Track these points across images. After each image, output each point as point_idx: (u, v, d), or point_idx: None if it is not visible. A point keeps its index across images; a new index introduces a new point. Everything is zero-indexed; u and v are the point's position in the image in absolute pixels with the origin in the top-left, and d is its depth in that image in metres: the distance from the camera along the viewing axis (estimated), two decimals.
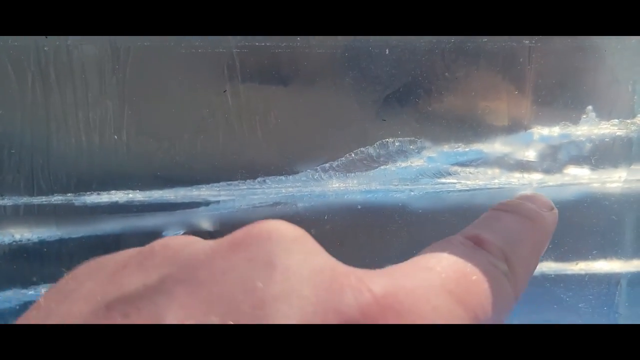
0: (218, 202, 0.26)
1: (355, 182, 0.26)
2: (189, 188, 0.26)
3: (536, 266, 0.18)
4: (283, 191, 0.26)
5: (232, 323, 0.12)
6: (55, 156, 0.25)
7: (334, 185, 0.26)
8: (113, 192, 0.26)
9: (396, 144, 0.26)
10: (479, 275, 0.15)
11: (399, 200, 0.26)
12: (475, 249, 0.16)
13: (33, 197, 0.25)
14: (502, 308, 0.15)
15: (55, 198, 0.26)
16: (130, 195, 0.26)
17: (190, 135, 0.25)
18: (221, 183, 0.26)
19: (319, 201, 0.26)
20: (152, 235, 0.26)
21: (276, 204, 0.26)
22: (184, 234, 0.26)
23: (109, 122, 0.25)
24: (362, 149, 0.26)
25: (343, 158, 0.26)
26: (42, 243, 0.26)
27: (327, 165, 0.26)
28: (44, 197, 0.26)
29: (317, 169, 0.26)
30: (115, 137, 0.24)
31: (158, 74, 0.24)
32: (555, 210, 0.20)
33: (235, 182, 0.26)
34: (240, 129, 0.24)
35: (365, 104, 0.25)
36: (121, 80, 0.24)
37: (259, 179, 0.26)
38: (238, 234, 0.15)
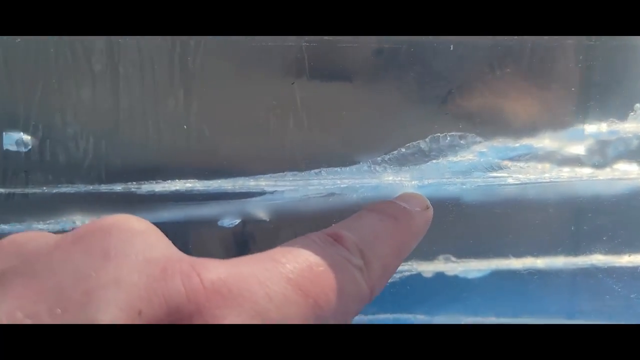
0: (273, 192, 0.27)
1: (408, 175, 0.27)
2: (247, 178, 0.26)
3: (398, 261, 0.19)
4: (338, 182, 0.27)
5: (59, 311, 0.13)
6: (122, 145, 0.26)
7: (388, 178, 0.27)
8: (176, 181, 0.26)
9: (447, 138, 0.27)
10: (326, 267, 0.16)
11: (452, 193, 0.27)
12: (331, 244, 0.17)
13: (100, 185, 0.26)
14: (350, 299, 0.16)
15: (120, 186, 0.26)
16: (190, 185, 0.27)
17: (256, 127, 0.25)
18: (280, 174, 0.26)
19: (374, 193, 0.27)
20: (209, 223, 0.27)
21: (330, 194, 0.27)
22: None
23: (177, 113, 0.26)
24: (413, 142, 0.27)
25: (395, 152, 0.27)
26: None
27: (379, 158, 0.27)
28: (108, 185, 0.26)
29: (370, 161, 0.27)
30: (185, 126, 0.25)
31: (226, 66, 0.25)
32: (430, 209, 0.21)
33: (293, 173, 0.26)
34: (304, 122, 0.25)
35: (426, 98, 0.26)
36: (190, 72, 0.25)
37: (314, 170, 0.27)
38: (81, 228, 0.16)
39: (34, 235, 0.16)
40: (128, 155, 0.26)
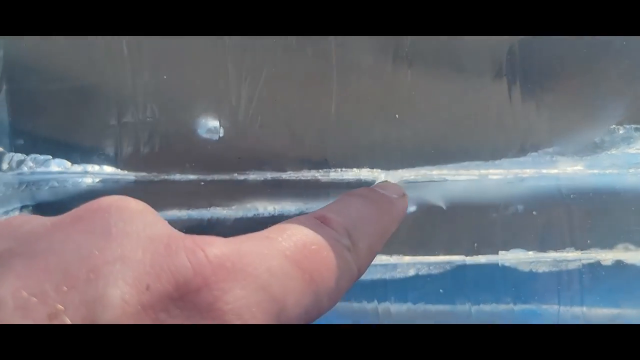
0: (451, 181, 0.28)
1: (581, 165, 0.28)
2: (430, 167, 0.27)
3: (381, 243, 0.20)
4: (518, 172, 0.27)
5: (66, 289, 0.13)
6: (303, 136, 0.27)
7: (567, 170, 0.27)
8: (363, 169, 0.27)
9: (621, 131, 0.27)
10: (319, 245, 0.16)
11: (630, 184, 0.27)
12: (321, 225, 0.18)
13: (282, 173, 0.27)
14: (341, 276, 0.17)
15: (304, 174, 0.28)
16: (374, 174, 0.28)
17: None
18: (462, 163, 0.27)
19: (547, 183, 0.28)
20: None
21: (508, 183, 0.28)
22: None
23: (361, 106, 0.27)
24: (590, 133, 0.27)
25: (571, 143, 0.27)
26: (283, 216, 0.28)
27: (550, 149, 0.28)
28: (291, 173, 0.28)
29: (544, 152, 0.28)
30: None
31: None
32: (406, 197, 0.23)
33: (476, 163, 0.27)
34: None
35: (607, 92, 0.27)
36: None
37: (495, 160, 0.27)
38: (79, 209, 0.16)
39: (29, 218, 0.16)
40: (311, 144, 0.27)
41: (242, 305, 0.14)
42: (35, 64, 0.27)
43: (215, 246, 0.15)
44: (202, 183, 0.27)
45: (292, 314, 0.15)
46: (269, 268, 0.15)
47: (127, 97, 0.27)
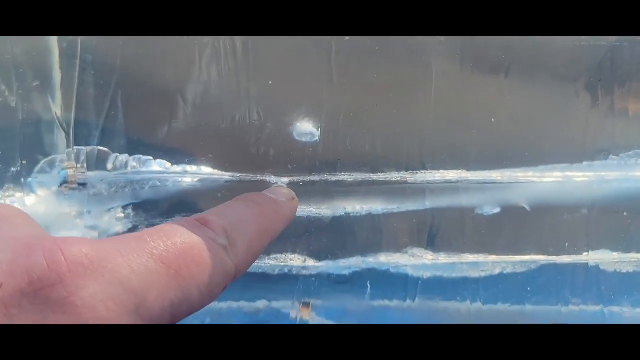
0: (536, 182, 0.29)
1: None
2: (515, 169, 0.28)
3: (263, 243, 0.21)
4: (603, 174, 0.28)
5: None
6: (398, 138, 0.28)
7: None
8: (448, 170, 0.29)
9: None
10: (190, 244, 0.17)
11: None
12: (197, 226, 0.18)
13: (374, 174, 0.29)
14: (215, 272, 0.17)
15: (396, 176, 0.29)
16: (460, 175, 0.29)
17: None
18: (549, 165, 0.28)
19: (628, 185, 0.28)
20: (467, 211, 0.29)
21: (589, 184, 0.28)
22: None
23: (459, 108, 0.28)
24: None
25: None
26: (371, 216, 0.29)
27: (633, 152, 0.28)
28: (383, 174, 0.29)
29: (623, 155, 0.28)
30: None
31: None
32: (296, 200, 0.24)
33: (563, 165, 0.28)
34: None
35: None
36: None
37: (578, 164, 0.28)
38: None
39: None
40: (405, 147, 0.28)
41: (97, 299, 0.15)
42: (144, 70, 0.28)
43: (75, 246, 0.15)
44: (301, 184, 0.28)
45: (155, 306, 0.16)
46: (129, 264, 0.16)
47: (235, 102, 0.28)
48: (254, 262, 0.20)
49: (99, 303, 0.15)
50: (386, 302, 0.28)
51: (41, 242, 0.15)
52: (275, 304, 0.31)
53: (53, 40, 0.28)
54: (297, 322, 0.32)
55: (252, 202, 0.22)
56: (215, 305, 0.32)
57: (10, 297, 0.14)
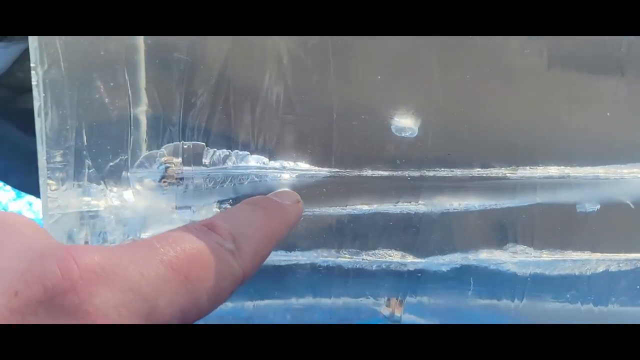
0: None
1: None
2: (609, 167, 0.28)
3: (269, 247, 0.21)
4: None
5: None
6: (500, 132, 0.28)
7: None
8: (540, 167, 0.28)
9: None
10: (199, 249, 0.18)
11: None
12: (205, 231, 0.19)
13: (471, 169, 0.28)
14: (222, 277, 0.18)
15: (492, 172, 0.28)
16: (557, 171, 0.28)
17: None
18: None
19: None
20: (568, 208, 0.29)
21: None
22: None
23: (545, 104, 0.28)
24: None
25: None
26: (468, 212, 0.29)
27: None
28: (479, 170, 0.28)
29: None
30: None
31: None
32: (301, 203, 0.24)
33: None
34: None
35: None
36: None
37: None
38: None
39: None
40: (501, 142, 0.28)
41: (109, 306, 0.15)
42: (236, 68, 0.29)
43: (88, 254, 0.16)
44: (409, 178, 0.28)
45: (166, 312, 0.16)
46: (140, 271, 0.16)
47: (331, 97, 0.28)
48: (260, 266, 0.21)
49: (111, 309, 0.15)
50: (494, 301, 0.28)
51: (54, 250, 0.16)
52: (363, 301, 0.31)
53: (139, 37, 0.29)
54: (387, 320, 0.31)
55: (258, 206, 0.23)
56: (294, 301, 0.32)
57: (26, 305, 0.15)
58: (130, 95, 0.29)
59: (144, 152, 0.30)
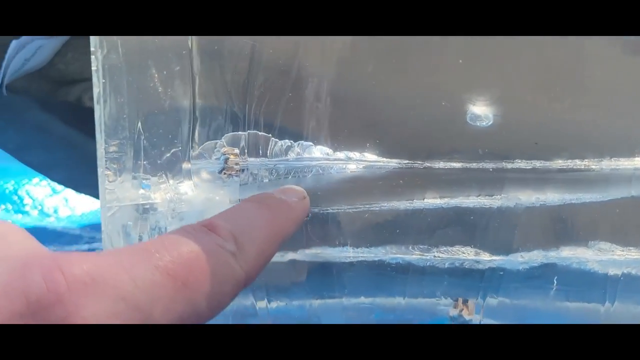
0: None
1: None
2: None
3: (274, 246, 0.20)
4: None
5: None
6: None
7: None
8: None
9: None
10: (196, 252, 0.16)
11: None
12: (204, 232, 0.18)
13: (551, 162, 0.27)
14: (223, 280, 0.17)
15: (576, 163, 0.27)
16: None
17: None
18: None
19: None
20: None
21: None
22: None
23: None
24: None
25: None
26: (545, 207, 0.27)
27: None
28: (561, 161, 0.27)
29: None
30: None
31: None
32: (307, 199, 0.23)
33: None
34: None
35: None
36: None
37: None
38: None
39: None
40: (582, 134, 0.26)
41: (99, 318, 0.14)
42: (295, 59, 0.27)
43: (75, 262, 0.15)
44: (487, 170, 0.27)
45: (162, 321, 0.15)
46: (133, 278, 0.15)
47: (399, 84, 0.27)
48: (264, 267, 0.19)
49: (101, 321, 0.15)
50: (579, 304, 0.26)
51: (39, 260, 0.15)
52: (430, 301, 0.29)
53: None
54: (455, 322, 0.30)
55: (261, 204, 0.21)
56: (359, 299, 0.30)
57: (9, 319, 0.14)
58: (185, 84, 0.28)
59: (200, 144, 0.29)
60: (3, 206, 0.58)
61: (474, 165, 0.27)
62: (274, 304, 0.30)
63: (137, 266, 0.16)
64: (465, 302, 0.29)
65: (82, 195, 0.55)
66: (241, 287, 0.18)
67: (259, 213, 0.21)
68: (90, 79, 0.47)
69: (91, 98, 0.48)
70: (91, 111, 0.47)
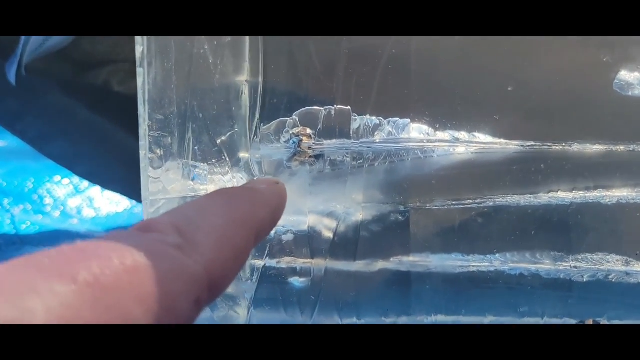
0: None
1: None
2: None
3: (243, 234, 0.18)
4: None
5: None
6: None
7: None
8: None
9: None
10: (122, 254, 0.15)
11: None
12: (137, 235, 0.16)
13: None
14: (167, 279, 0.15)
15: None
16: None
17: None
18: None
19: None
20: None
21: None
22: None
23: None
24: None
25: None
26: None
27: None
28: None
29: None
30: None
31: None
32: (281, 184, 0.20)
33: None
34: None
35: None
36: None
37: None
38: None
39: None
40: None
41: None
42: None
43: None
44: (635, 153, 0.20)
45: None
46: (38, 292, 0.13)
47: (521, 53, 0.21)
48: (235, 259, 0.17)
49: None
50: None
51: None
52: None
53: None
54: None
55: (216, 194, 0.19)
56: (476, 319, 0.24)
57: None
58: (240, 55, 0.23)
59: (264, 124, 0.23)
60: (22, 206, 0.53)
61: (620, 148, 0.21)
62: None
63: (43, 280, 0.14)
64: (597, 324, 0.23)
65: (109, 192, 0.49)
66: (203, 283, 0.16)
67: (213, 201, 0.19)
68: (120, 61, 0.40)
69: (120, 82, 0.41)
70: (120, 97, 0.40)
